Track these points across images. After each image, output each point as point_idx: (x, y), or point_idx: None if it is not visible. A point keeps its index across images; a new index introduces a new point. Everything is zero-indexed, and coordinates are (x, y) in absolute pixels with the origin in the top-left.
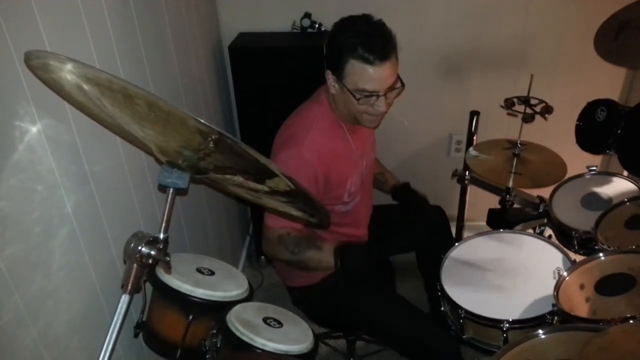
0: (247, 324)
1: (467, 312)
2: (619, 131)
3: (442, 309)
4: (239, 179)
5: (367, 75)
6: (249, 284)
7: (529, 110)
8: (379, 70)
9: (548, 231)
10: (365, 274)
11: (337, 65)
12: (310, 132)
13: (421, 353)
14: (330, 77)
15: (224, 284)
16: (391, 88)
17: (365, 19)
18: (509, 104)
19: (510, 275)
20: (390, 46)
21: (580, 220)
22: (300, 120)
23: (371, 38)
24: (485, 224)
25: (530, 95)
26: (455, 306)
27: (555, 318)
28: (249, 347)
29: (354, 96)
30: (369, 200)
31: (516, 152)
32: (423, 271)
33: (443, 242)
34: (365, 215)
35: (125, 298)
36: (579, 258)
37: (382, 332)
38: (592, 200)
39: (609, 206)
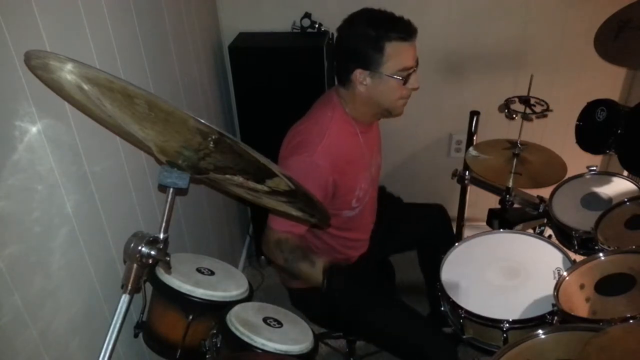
0: (247, 324)
1: (467, 312)
2: (619, 131)
3: (442, 309)
4: (239, 179)
5: (407, 52)
6: (249, 284)
7: (529, 110)
8: (413, 45)
9: (548, 231)
10: (365, 273)
11: (372, 57)
12: (325, 139)
13: (418, 357)
14: (359, 76)
15: (224, 284)
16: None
17: (370, 10)
18: (506, 107)
19: (510, 275)
20: (410, 22)
21: (580, 220)
22: (313, 126)
23: (395, 19)
24: (485, 224)
25: (530, 95)
26: (455, 306)
27: (555, 318)
28: (248, 347)
29: (400, 78)
30: (374, 205)
31: (516, 152)
32: (424, 270)
33: (444, 240)
34: (370, 220)
35: (125, 298)
36: (579, 258)
37: (380, 337)
38: (592, 200)
39: (609, 206)
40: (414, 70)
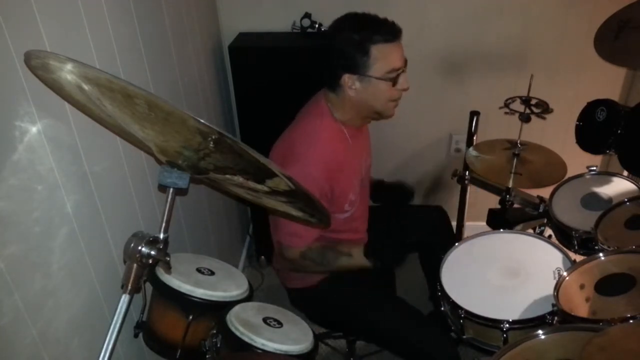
0: (247, 324)
1: (467, 312)
2: (619, 131)
3: (442, 309)
4: (239, 179)
5: (393, 53)
6: (249, 284)
7: (528, 110)
8: (399, 46)
9: (548, 231)
10: (365, 274)
11: (358, 61)
12: (317, 147)
13: (419, 356)
14: (348, 80)
15: (224, 284)
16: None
17: (354, 14)
18: (507, 107)
19: (510, 275)
20: (394, 23)
21: (580, 220)
22: (303, 136)
23: (379, 22)
24: (485, 224)
25: (530, 95)
26: (455, 306)
27: (555, 318)
28: (249, 347)
29: (389, 79)
30: (366, 206)
31: (516, 152)
32: (426, 271)
33: (444, 242)
34: (363, 221)
35: (125, 298)
36: (579, 258)
37: (380, 336)
38: (592, 200)
39: (609, 206)
40: (403, 71)
